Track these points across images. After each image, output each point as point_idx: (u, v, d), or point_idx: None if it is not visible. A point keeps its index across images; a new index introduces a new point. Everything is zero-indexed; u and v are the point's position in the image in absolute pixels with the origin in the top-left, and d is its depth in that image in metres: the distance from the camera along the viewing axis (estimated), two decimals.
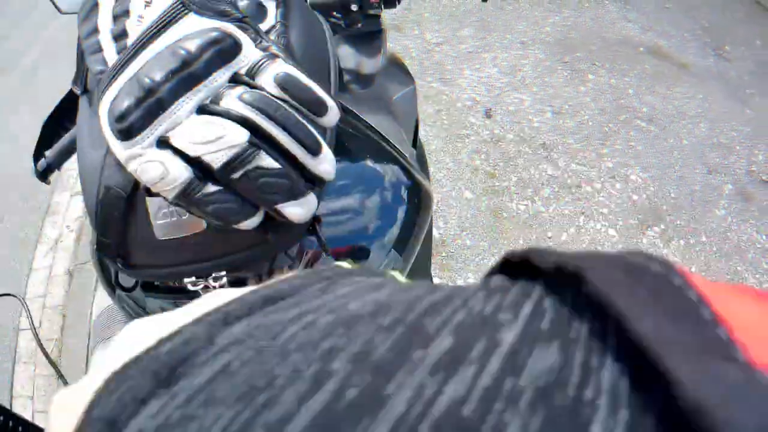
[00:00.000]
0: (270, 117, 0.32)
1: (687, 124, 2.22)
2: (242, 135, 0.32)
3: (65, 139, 0.67)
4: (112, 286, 0.64)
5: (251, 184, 0.33)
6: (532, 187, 1.96)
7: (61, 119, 0.69)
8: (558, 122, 2.21)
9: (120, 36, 0.35)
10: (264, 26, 0.42)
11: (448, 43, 2.62)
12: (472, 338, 0.11)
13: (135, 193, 0.38)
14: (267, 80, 0.33)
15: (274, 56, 0.34)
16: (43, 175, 0.67)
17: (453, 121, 2.21)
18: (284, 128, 0.32)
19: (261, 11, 0.43)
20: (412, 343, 0.11)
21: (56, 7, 0.73)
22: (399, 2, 0.74)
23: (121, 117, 0.32)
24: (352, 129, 0.63)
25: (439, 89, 2.36)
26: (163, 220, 0.39)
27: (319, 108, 0.34)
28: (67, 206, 2.38)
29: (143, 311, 0.60)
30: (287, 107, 0.33)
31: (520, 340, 0.10)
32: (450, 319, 0.11)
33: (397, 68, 0.87)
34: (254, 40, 0.35)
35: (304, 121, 0.33)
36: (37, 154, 0.67)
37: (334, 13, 0.74)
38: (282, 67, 0.34)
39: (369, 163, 0.63)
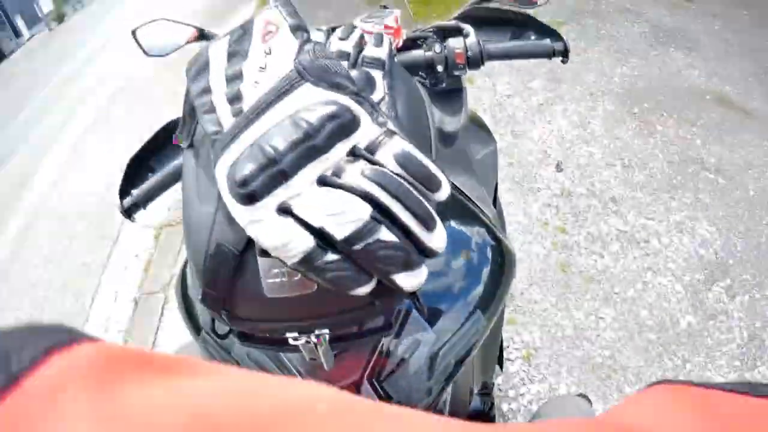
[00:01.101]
0: (391, 194, 0.33)
1: (753, 174, 2.13)
2: (366, 210, 0.32)
3: (154, 180, 0.69)
4: (198, 329, 0.66)
5: (370, 256, 0.33)
6: (601, 242, 1.90)
7: (147, 159, 0.72)
8: (627, 175, 2.16)
9: (235, 99, 0.35)
10: (374, 97, 0.43)
11: (519, 96, 2.64)
12: None
13: (246, 251, 0.39)
14: (386, 157, 0.34)
15: (391, 132, 0.35)
16: (128, 213, 0.70)
17: (525, 175, 2.20)
18: (404, 204, 0.33)
19: (370, 82, 0.44)
20: None
21: (143, 50, 0.77)
22: (483, 63, 0.75)
23: (243, 183, 0.32)
24: None
25: (511, 142, 2.37)
26: (273, 279, 0.39)
27: (434, 184, 0.35)
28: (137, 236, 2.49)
29: (228, 355, 0.61)
30: (407, 184, 0.34)
31: None
32: None
33: (478, 127, 0.87)
34: (371, 115, 0.35)
35: (421, 198, 0.34)
36: (123, 192, 0.69)
37: (420, 73, 0.76)
38: (400, 144, 0.34)
39: (454, 224, 0.62)
